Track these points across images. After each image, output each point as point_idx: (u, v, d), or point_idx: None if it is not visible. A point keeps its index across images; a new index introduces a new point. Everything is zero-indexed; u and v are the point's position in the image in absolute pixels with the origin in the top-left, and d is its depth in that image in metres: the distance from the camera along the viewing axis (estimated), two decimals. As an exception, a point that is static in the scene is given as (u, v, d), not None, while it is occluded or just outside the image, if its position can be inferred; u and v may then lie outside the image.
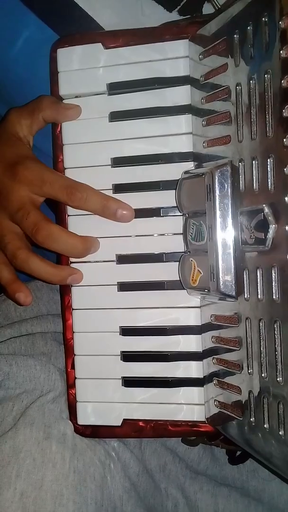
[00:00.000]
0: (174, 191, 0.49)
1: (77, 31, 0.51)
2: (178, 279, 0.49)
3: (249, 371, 0.41)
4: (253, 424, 0.41)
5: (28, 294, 0.52)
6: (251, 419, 0.41)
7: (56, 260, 0.54)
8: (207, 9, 0.52)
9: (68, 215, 0.52)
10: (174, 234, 0.50)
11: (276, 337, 0.37)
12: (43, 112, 0.52)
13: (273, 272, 0.37)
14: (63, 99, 0.52)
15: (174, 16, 0.53)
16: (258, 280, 0.39)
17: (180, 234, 0.49)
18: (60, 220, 0.53)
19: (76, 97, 0.52)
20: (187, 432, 0.51)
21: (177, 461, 0.60)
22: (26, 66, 0.56)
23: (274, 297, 0.37)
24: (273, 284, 0.37)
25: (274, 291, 0.37)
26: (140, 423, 0.51)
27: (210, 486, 0.60)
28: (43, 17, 0.52)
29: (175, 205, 0.49)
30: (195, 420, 0.50)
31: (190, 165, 0.49)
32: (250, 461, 0.59)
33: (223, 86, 0.42)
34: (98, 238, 0.52)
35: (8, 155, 0.52)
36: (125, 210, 0.50)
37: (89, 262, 0.52)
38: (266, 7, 0.36)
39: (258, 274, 0.39)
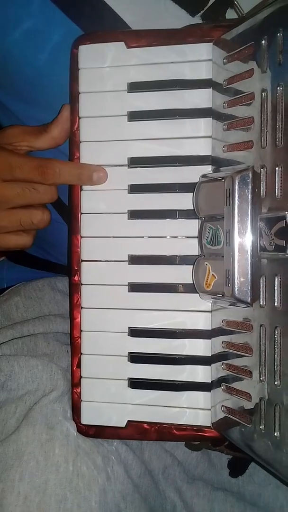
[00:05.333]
0: (189, 194, 0.49)
1: (99, 25, 0.51)
2: (190, 282, 0.49)
3: (261, 378, 0.41)
4: (263, 431, 0.41)
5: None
6: (261, 427, 0.41)
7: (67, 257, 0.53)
8: (230, 15, 0.52)
9: (81, 213, 0.52)
10: (187, 237, 0.50)
11: (292, 345, 0.37)
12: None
13: (292, 280, 0.37)
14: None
15: (196, 20, 0.53)
16: (276, 287, 0.39)
17: (193, 237, 0.49)
18: (73, 219, 0.52)
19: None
20: (192, 437, 0.51)
21: (175, 465, 0.60)
22: (44, 61, 0.55)
23: (293, 305, 0.37)
24: (293, 292, 0.37)
25: (293, 299, 0.37)
26: (145, 425, 0.51)
27: (207, 491, 0.60)
28: (66, 10, 0.51)
29: (190, 208, 0.49)
30: (200, 424, 0.50)
31: (207, 169, 0.49)
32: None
33: (248, 91, 0.42)
34: (111, 238, 0.51)
35: None
36: (100, 172, 0.50)
37: (101, 261, 0.52)
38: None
39: (276, 281, 0.39)
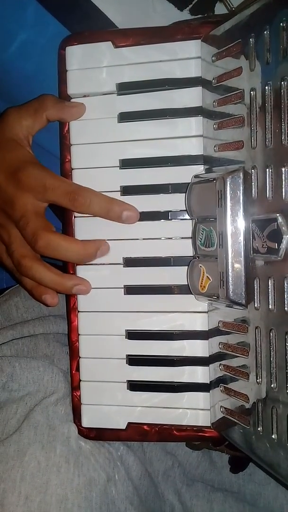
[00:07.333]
0: (183, 194, 0.48)
1: (87, 25, 0.50)
2: (186, 283, 0.49)
3: (257, 380, 0.41)
4: (261, 433, 0.41)
5: (54, 296, 0.52)
6: (259, 429, 0.41)
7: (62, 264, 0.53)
8: (219, 9, 0.51)
9: (74, 217, 0.52)
10: (182, 238, 0.50)
11: (287, 348, 0.37)
12: (47, 112, 0.51)
13: (285, 283, 0.36)
14: (71, 98, 0.51)
15: (185, 15, 0.52)
16: (270, 290, 0.38)
17: (188, 238, 0.49)
18: (67, 222, 0.52)
19: (85, 96, 0.51)
20: (192, 437, 0.51)
21: (176, 466, 0.60)
22: (32, 63, 0.55)
23: (286, 308, 0.36)
24: (286, 295, 0.36)
25: (286, 303, 0.36)
26: (145, 427, 0.51)
27: (206, 492, 0.61)
28: (52, 10, 0.51)
29: (184, 208, 0.48)
30: (200, 425, 0.50)
31: (200, 168, 0.48)
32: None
33: (237, 90, 0.42)
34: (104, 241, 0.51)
35: (8, 161, 0.51)
36: (130, 211, 0.49)
37: (96, 264, 0.52)
38: (285, 11, 0.35)
39: (269, 283, 0.38)
